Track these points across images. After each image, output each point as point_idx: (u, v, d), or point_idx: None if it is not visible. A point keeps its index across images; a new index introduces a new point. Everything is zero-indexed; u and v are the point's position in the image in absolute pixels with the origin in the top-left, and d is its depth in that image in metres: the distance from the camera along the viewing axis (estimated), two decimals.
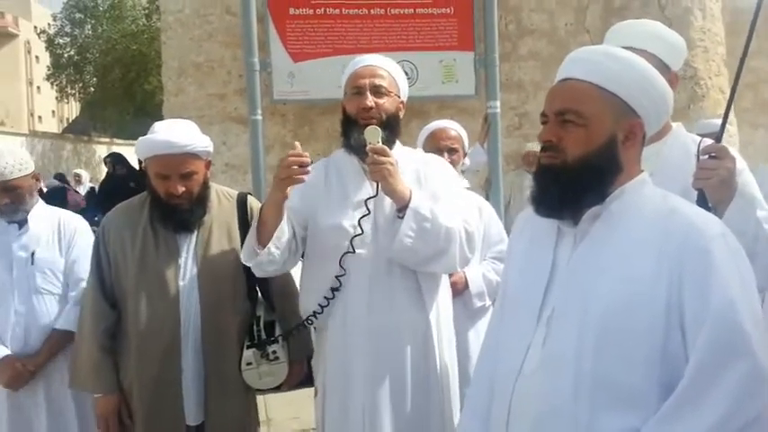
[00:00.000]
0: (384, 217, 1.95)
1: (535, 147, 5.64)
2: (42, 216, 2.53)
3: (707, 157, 1.59)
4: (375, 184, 1.89)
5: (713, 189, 1.57)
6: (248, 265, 1.98)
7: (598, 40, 5.80)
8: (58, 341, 2.41)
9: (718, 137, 1.67)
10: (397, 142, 2.07)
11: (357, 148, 1.96)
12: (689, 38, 6.03)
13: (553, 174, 1.28)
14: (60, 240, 2.51)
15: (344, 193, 2.00)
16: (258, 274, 2.01)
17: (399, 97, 2.06)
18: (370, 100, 1.96)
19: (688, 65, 5.95)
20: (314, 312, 1.97)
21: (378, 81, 1.99)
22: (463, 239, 1.94)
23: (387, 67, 2.05)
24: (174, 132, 2.06)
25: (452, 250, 1.92)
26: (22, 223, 2.49)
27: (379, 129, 1.90)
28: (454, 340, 2.10)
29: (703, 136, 1.86)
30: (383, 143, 1.90)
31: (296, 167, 1.83)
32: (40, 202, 2.59)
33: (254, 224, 1.96)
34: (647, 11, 5.87)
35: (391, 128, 1.99)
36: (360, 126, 1.94)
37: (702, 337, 1.12)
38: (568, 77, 1.30)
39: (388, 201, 1.93)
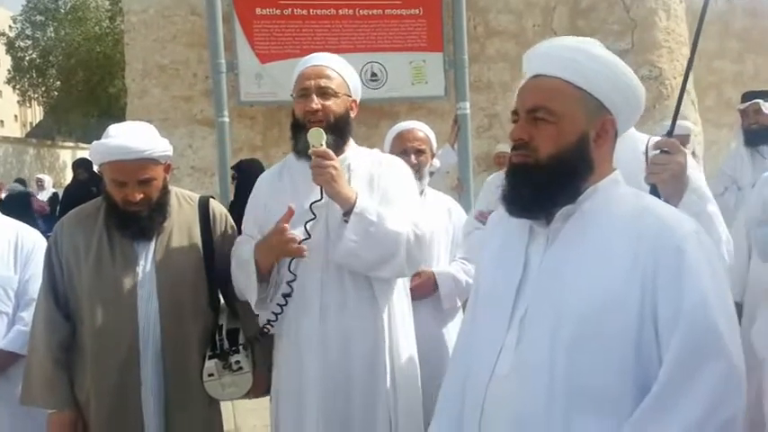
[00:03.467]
0: (335, 222, 1.91)
1: (505, 147, 5.66)
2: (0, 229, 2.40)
3: (658, 152, 1.60)
4: (320, 188, 1.86)
5: (665, 184, 1.59)
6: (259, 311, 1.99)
7: None
8: (1, 362, 2.28)
9: (669, 132, 1.69)
10: (351, 142, 2.04)
11: (304, 152, 1.92)
12: (654, 38, 6.12)
13: (525, 173, 1.26)
14: (16, 256, 2.37)
15: (296, 200, 1.96)
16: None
17: (350, 96, 2.01)
18: (316, 102, 1.92)
19: (653, 65, 6.04)
20: (268, 321, 1.95)
21: (324, 82, 1.94)
22: (412, 243, 1.90)
23: (335, 67, 2.00)
24: (131, 137, 1.97)
25: (399, 255, 1.88)
26: None
27: (322, 131, 1.86)
28: (414, 343, 2.07)
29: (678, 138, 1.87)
30: (329, 146, 1.86)
31: (293, 245, 1.84)
32: None
33: (251, 275, 1.92)
34: (613, 12, 5.94)
35: (339, 130, 1.95)
36: (307, 129, 1.90)
37: (676, 338, 1.11)
38: (539, 74, 1.28)
39: (337, 206, 1.89)
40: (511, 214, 1.30)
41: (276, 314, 1.92)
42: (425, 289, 2.46)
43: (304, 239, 1.86)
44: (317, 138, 1.85)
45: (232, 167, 4.66)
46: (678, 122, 5.43)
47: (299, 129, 1.96)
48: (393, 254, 1.88)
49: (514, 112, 1.30)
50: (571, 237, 1.24)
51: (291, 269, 1.88)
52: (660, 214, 1.22)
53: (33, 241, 2.43)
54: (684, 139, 5.00)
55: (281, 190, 2.02)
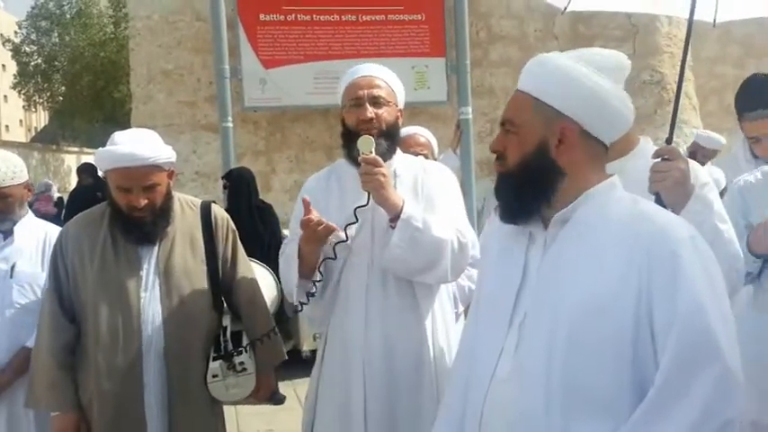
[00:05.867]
0: (380, 227, 1.95)
1: None
2: (29, 228, 2.45)
3: (659, 159, 1.60)
4: (367, 194, 1.89)
5: (668, 191, 1.58)
6: (296, 301, 1.98)
7: (567, 45, 5.87)
8: (27, 359, 2.28)
9: (667, 139, 1.69)
10: (398, 150, 2.08)
11: (357, 159, 1.95)
12: (655, 44, 6.14)
13: (500, 181, 1.34)
14: (44, 255, 2.40)
15: (343, 203, 2.00)
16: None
17: (398, 106, 2.07)
18: (370, 111, 1.96)
19: (655, 70, 6.06)
20: (295, 309, 1.99)
21: (376, 92, 1.99)
22: (456, 250, 1.93)
23: (384, 77, 2.05)
24: (137, 144, 2.01)
25: (443, 262, 1.92)
26: (7, 234, 2.40)
27: (371, 139, 1.90)
28: (454, 347, 2.07)
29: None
30: (381, 153, 1.91)
31: (319, 228, 1.85)
32: (30, 213, 2.50)
33: (293, 264, 1.94)
34: (614, 17, 5.96)
35: (391, 137, 2.00)
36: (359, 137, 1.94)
37: (671, 343, 1.12)
38: (517, 89, 1.35)
39: (383, 210, 1.92)
40: (501, 221, 1.35)
41: (302, 304, 1.94)
42: None
43: (341, 242, 1.89)
44: (367, 145, 1.89)
45: (223, 176, 4.67)
46: (710, 135, 5.47)
47: (351, 137, 1.99)
48: (438, 260, 1.91)
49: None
50: (567, 241, 1.26)
51: (321, 269, 1.91)
52: (656, 219, 1.23)
53: None
54: (713, 153, 4.93)
55: (329, 193, 2.06)
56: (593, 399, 1.17)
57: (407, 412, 1.94)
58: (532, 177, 1.28)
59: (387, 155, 1.95)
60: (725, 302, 1.18)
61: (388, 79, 2.05)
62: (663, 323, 1.14)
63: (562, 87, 1.28)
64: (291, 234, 2.09)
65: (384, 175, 1.86)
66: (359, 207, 1.88)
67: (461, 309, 2.58)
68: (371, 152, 1.88)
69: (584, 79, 1.28)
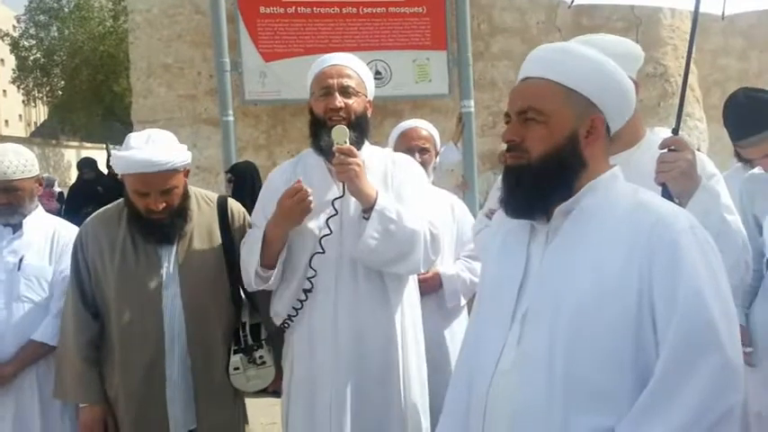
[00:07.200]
0: (349, 218, 1.94)
1: None
2: (39, 223, 2.47)
3: (666, 150, 1.60)
4: (341, 185, 1.89)
5: (675, 181, 1.58)
6: (253, 289, 2.01)
7: (569, 37, 5.83)
8: (33, 352, 2.33)
9: (674, 129, 1.68)
10: (366, 142, 2.07)
11: (326, 150, 1.95)
12: (658, 36, 6.11)
13: (519, 174, 1.28)
14: (52, 249, 2.43)
15: (311, 193, 1.98)
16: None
17: (367, 97, 2.05)
18: (339, 100, 1.95)
19: (658, 62, 6.03)
20: (289, 316, 1.99)
21: (346, 81, 1.98)
22: (428, 242, 1.94)
23: (354, 67, 2.04)
24: (154, 150, 2.00)
25: (416, 253, 1.92)
26: (17, 227, 2.41)
27: (346, 129, 1.90)
28: (422, 339, 2.10)
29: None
30: (351, 143, 1.89)
31: (303, 201, 1.86)
32: (40, 208, 2.52)
33: (255, 248, 1.95)
34: (618, 9, 5.93)
35: (360, 128, 1.99)
36: (328, 127, 1.93)
37: (671, 333, 1.12)
38: (528, 76, 1.31)
39: (353, 201, 1.92)
40: (509, 216, 1.33)
41: (297, 309, 1.96)
42: (431, 285, 2.47)
43: (326, 235, 1.88)
44: (341, 135, 1.88)
45: (227, 171, 4.69)
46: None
47: (319, 126, 1.98)
48: (410, 252, 1.91)
49: (506, 115, 1.32)
50: (570, 233, 1.26)
51: (312, 265, 1.91)
52: (656, 209, 1.22)
53: (70, 236, 2.46)
54: None
55: None
56: (594, 391, 1.17)
57: (376, 404, 1.95)
58: (558, 170, 1.25)
59: (355, 145, 1.94)
60: (726, 292, 1.18)
61: (358, 69, 2.04)
62: (663, 313, 1.14)
63: (596, 79, 1.26)
64: (256, 227, 2.08)
65: (359, 165, 1.86)
66: (336, 198, 1.89)
67: (464, 301, 2.58)
68: (346, 142, 1.87)
69: (616, 73, 1.28)
